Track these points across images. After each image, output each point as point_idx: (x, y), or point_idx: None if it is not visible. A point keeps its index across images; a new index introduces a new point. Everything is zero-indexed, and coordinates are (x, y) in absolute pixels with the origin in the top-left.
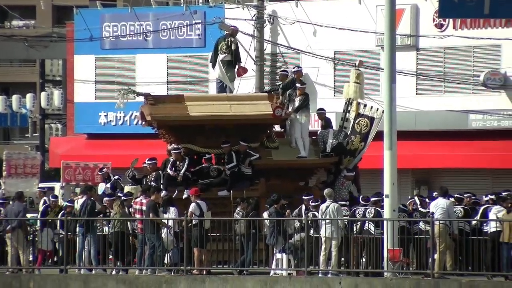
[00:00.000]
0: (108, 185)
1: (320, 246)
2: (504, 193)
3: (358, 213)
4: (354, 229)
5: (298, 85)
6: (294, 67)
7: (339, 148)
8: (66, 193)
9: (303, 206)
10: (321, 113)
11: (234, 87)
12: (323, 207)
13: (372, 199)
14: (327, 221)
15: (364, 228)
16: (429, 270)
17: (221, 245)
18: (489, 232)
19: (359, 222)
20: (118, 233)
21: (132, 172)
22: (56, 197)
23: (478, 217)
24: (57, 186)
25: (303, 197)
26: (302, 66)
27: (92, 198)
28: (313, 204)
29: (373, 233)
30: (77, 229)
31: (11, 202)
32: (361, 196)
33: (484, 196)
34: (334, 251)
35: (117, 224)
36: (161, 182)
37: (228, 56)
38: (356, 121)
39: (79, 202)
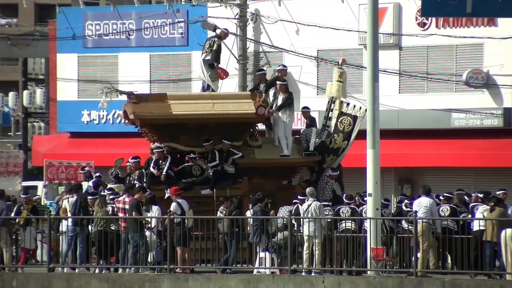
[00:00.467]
0: (91, 183)
1: (303, 245)
2: (498, 192)
3: (342, 211)
4: (338, 228)
5: (278, 82)
6: (279, 66)
7: (322, 147)
8: (49, 192)
9: (299, 206)
10: (305, 111)
11: (217, 86)
12: (305, 205)
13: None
14: (310, 219)
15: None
16: (412, 269)
17: (204, 243)
18: (472, 230)
19: (343, 221)
20: (101, 232)
21: (116, 171)
22: (27, 193)
23: (470, 215)
24: (40, 184)
25: (299, 197)
26: (285, 64)
27: (82, 197)
28: (301, 198)
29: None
30: (66, 227)
31: None
32: (344, 195)
33: (472, 194)
34: (317, 250)
35: (100, 222)
36: (144, 181)
37: (208, 56)
38: (339, 120)
39: (70, 200)
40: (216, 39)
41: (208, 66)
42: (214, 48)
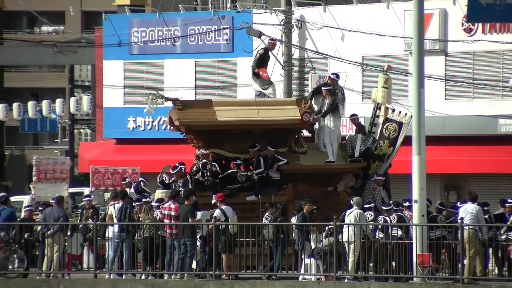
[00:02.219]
0: (132, 189)
1: (348, 251)
2: None
3: (380, 220)
4: (381, 234)
5: (323, 88)
6: (333, 74)
7: (367, 153)
8: (95, 198)
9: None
10: (354, 118)
11: (272, 92)
12: (347, 213)
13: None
14: (349, 226)
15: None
16: (459, 276)
17: (250, 250)
18: None
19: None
20: (147, 238)
21: (162, 177)
22: (89, 196)
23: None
24: (86, 191)
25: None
26: (330, 71)
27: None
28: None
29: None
30: (112, 233)
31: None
32: (391, 201)
33: None
34: (352, 256)
35: (146, 228)
36: (190, 187)
37: (254, 65)
38: (385, 126)
39: (116, 207)
40: (261, 49)
41: (255, 76)
42: (256, 56)
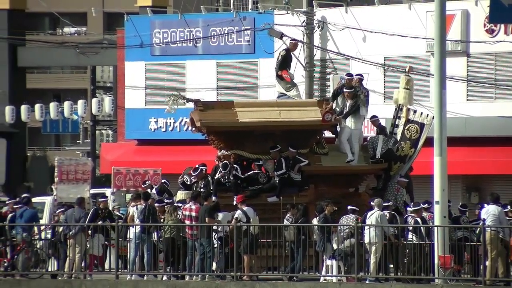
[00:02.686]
0: (154, 190)
1: (369, 253)
2: None
3: (409, 221)
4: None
5: (345, 90)
6: (347, 74)
7: (388, 155)
8: (117, 199)
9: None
10: (374, 120)
11: (296, 93)
12: (368, 214)
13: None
14: (370, 228)
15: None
16: (481, 277)
17: (271, 251)
18: None
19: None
20: (168, 239)
21: (183, 179)
22: (105, 197)
23: None
24: (107, 192)
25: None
26: (352, 72)
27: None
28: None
29: (414, 241)
30: (134, 234)
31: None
32: (412, 203)
33: None
34: (373, 258)
35: (169, 229)
36: (211, 188)
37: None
38: (406, 127)
39: (138, 208)
40: (283, 51)
41: (279, 78)
42: (279, 58)
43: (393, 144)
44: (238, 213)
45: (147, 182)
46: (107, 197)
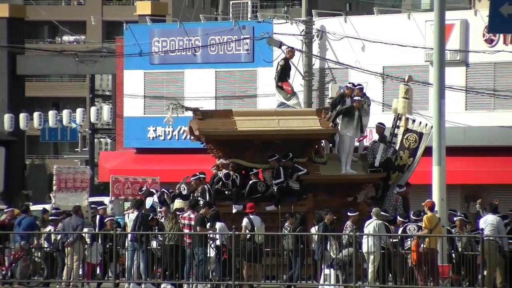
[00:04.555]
0: (156, 198)
1: (368, 262)
2: None
3: (409, 229)
4: (404, 246)
5: (356, 98)
6: (349, 83)
7: (387, 163)
8: (115, 208)
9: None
10: (379, 127)
11: (296, 102)
12: (366, 223)
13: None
14: (368, 237)
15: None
16: (479, 287)
17: (269, 260)
18: None
19: (409, 239)
20: (172, 246)
21: (180, 189)
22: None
23: None
24: (106, 200)
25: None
26: (351, 81)
27: (143, 212)
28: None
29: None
30: (128, 243)
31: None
32: (412, 212)
33: None
34: (371, 267)
35: (172, 237)
36: (207, 196)
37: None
38: (405, 137)
39: (130, 216)
40: (281, 60)
41: (279, 88)
42: (278, 69)
43: (392, 153)
44: (244, 221)
45: (143, 188)
46: (105, 205)
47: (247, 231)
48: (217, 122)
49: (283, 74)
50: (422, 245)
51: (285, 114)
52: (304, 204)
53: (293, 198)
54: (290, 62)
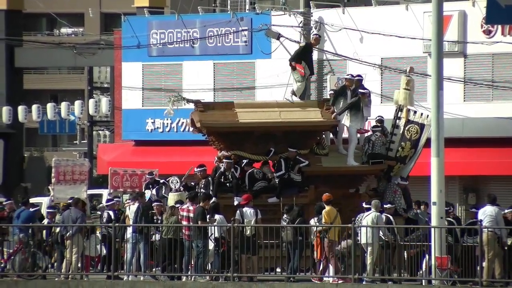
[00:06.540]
0: (154, 191)
1: (366, 254)
2: None
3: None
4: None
5: (360, 90)
6: (348, 75)
7: (374, 157)
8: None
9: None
10: (379, 120)
11: (301, 86)
12: (364, 215)
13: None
14: (366, 228)
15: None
16: (477, 278)
17: (268, 252)
18: None
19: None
20: (171, 239)
21: (185, 181)
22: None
23: None
24: (104, 193)
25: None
26: (349, 72)
27: (144, 204)
28: (365, 206)
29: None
30: (130, 235)
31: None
32: (413, 203)
33: None
34: (370, 259)
35: (170, 230)
36: (211, 189)
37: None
38: (406, 128)
39: (131, 208)
40: (303, 42)
41: (292, 68)
42: (298, 49)
43: (382, 145)
44: (237, 214)
45: (153, 172)
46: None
47: (239, 223)
48: (219, 114)
49: (300, 55)
50: (325, 238)
51: (286, 106)
52: (306, 196)
53: (295, 190)
54: (312, 49)
